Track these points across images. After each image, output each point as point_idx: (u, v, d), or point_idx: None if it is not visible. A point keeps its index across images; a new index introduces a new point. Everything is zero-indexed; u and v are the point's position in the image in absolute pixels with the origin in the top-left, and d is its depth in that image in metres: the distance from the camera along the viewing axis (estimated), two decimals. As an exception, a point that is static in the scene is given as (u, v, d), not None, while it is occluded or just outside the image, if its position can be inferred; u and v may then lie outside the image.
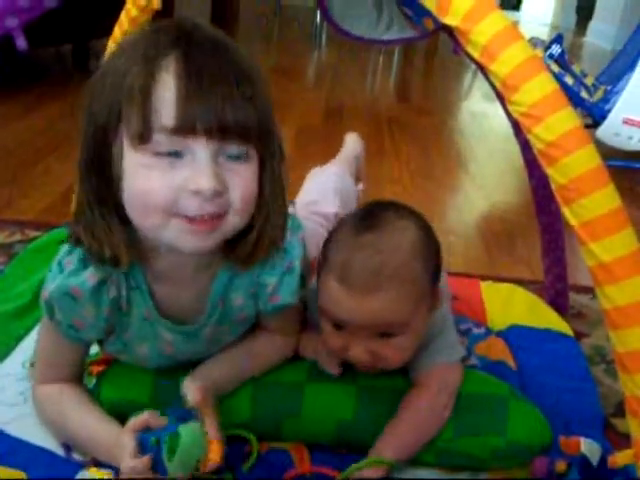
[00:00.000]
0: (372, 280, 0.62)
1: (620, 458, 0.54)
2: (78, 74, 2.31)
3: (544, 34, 4.05)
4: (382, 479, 0.64)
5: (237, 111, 0.53)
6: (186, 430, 0.59)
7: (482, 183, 1.71)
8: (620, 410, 0.82)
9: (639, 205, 1.54)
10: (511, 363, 0.86)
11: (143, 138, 0.52)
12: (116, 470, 0.63)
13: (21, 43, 0.61)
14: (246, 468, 0.67)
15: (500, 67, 0.50)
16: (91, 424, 0.66)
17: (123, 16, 0.87)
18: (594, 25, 4.17)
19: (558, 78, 1.70)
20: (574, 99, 1.71)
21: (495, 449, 0.67)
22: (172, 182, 0.53)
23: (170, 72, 0.52)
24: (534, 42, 1.84)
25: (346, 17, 0.81)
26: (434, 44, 3.41)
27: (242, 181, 0.56)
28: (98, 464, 0.66)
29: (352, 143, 1.22)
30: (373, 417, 0.69)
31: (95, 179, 0.56)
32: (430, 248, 0.67)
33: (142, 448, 0.60)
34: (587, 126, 1.73)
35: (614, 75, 1.86)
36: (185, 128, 0.52)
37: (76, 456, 0.68)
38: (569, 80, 1.78)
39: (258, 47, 2.95)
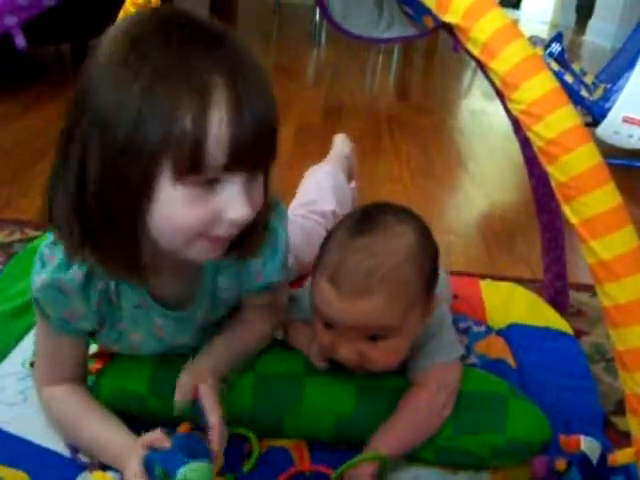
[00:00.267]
0: (363, 283, 0.62)
1: (620, 456, 0.54)
2: (77, 74, 2.31)
3: (544, 32, 4.05)
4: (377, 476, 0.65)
5: (270, 141, 0.55)
6: (196, 473, 0.59)
7: (482, 182, 1.71)
8: (620, 408, 0.82)
9: (639, 204, 1.54)
10: (511, 361, 0.86)
11: (190, 173, 0.51)
12: (122, 474, 0.63)
13: (20, 42, 0.61)
14: (247, 468, 0.67)
15: (500, 65, 0.50)
16: (96, 428, 0.66)
17: (122, 15, 0.87)
18: (594, 23, 4.17)
19: (558, 76, 1.70)
20: (574, 97, 1.71)
21: (494, 447, 0.68)
22: (207, 211, 0.53)
23: (222, 108, 0.50)
24: (534, 40, 1.84)
25: (346, 15, 0.81)
26: (434, 42, 3.40)
27: (257, 197, 0.57)
28: (104, 467, 0.66)
29: (340, 144, 1.24)
30: (372, 413, 0.69)
31: (108, 195, 0.53)
32: (426, 254, 0.66)
33: (147, 468, 0.60)
34: (587, 125, 1.72)
35: (614, 73, 1.86)
36: (235, 165, 0.52)
37: (82, 457, 0.68)
38: (569, 78, 1.78)
39: (257, 45, 2.95)
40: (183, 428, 0.66)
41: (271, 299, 0.73)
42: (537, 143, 0.50)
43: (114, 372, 0.72)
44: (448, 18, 0.52)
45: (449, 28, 0.54)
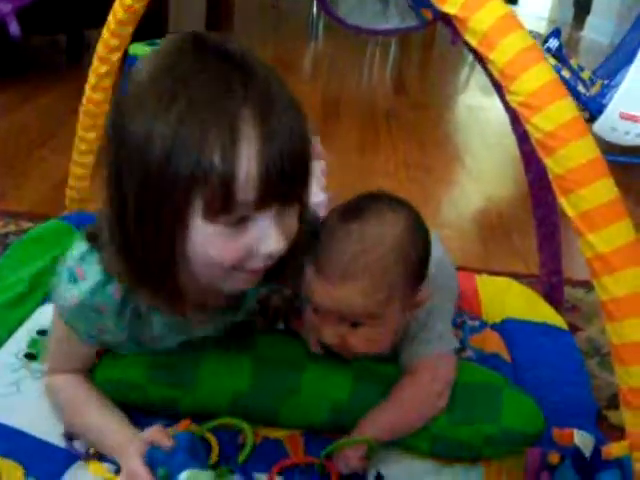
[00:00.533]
0: (344, 269, 0.62)
1: (615, 449, 0.54)
2: (72, 65, 2.30)
3: (541, 28, 4.04)
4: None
5: (302, 173, 0.55)
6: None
7: (478, 177, 1.71)
8: (613, 403, 0.83)
9: (636, 200, 1.54)
10: (506, 356, 0.86)
11: (222, 213, 0.51)
12: (118, 465, 0.64)
13: (14, 29, 0.60)
14: (241, 459, 0.67)
15: (499, 55, 0.50)
16: (95, 417, 0.67)
17: (117, 4, 0.86)
18: (591, 19, 4.17)
19: (555, 72, 1.69)
20: (571, 93, 1.70)
21: (489, 436, 0.68)
22: (240, 246, 0.54)
23: (252, 145, 0.49)
24: (532, 36, 1.83)
25: (347, 7, 0.81)
26: (431, 36, 3.39)
27: (291, 225, 0.57)
28: (100, 458, 0.66)
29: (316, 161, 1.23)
30: (368, 401, 0.69)
31: (145, 231, 0.53)
32: (414, 246, 0.66)
33: (148, 462, 0.60)
34: (584, 121, 1.72)
35: (611, 69, 1.86)
36: (265, 202, 0.52)
37: (77, 446, 0.68)
38: (566, 74, 1.78)
39: (255, 39, 2.94)
40: (183, 424, 0.66)
41: None
42: (535, 135, 0.50)
43: (111, 362, 0.72)
44: (447, 8, 0.52)
45: (448, 19, 0.53)
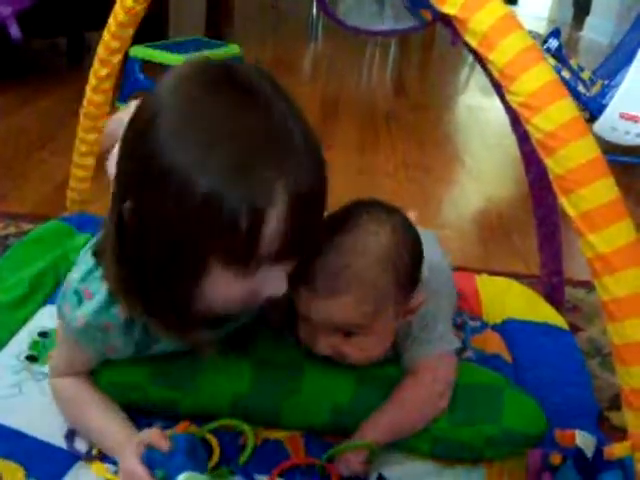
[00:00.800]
0: (331, 283, 0.62)
1: (617, 450, 0.54)
2: (72, 67, 2.30)
3: (541, 28, 4.04)
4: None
5: (318, 231, 0.57)
6: None
7: (478, 177, 1.71)
8: (615, 403, 0.83)
9: (636, 200, 1.54)
10: (506, 357, 0.86)
11: (243, 268, 0.53)
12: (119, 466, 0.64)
13: (15, 32, 0.60)
14: (242, 461, 0.67)
15: (499, 56, 0.50)
16: (97, 417, 0.68)
17: (118, 7, 0.86)
18: (591, 20, 4.17)
19: (555, 72, 1.69)
20: (571, 93, 1.70)
21: (490, 437, 0.68)
22: (248, 289, 0.56)
23: (282, 208, 0.51)
24: (532, 36, 1.83)
25: (345, 8, 0.81)
26: (431, 37, 3.40)
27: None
28: (103, 458, 0.67)
29: None
30: (369, 402, 0.69)
31: (164, 273, 0.55)
32: (401, 255, 0.65)
33: (147, 464, 0.61)
34: (584, 121, 1.72)
35: (611, 69, 1.86)
36: (283, 258, 0.54)
37: (78, 447, 0.68)
38: (566, 74, 1.78)
39: (254, 39, 2.94)
40: (182, 426, 0.66)
41: None
42: (535, 135, 0.50)
43: (113, 364, 0.72)
44: (447, 9, 0.52)
45: (447, 20, 0.53)
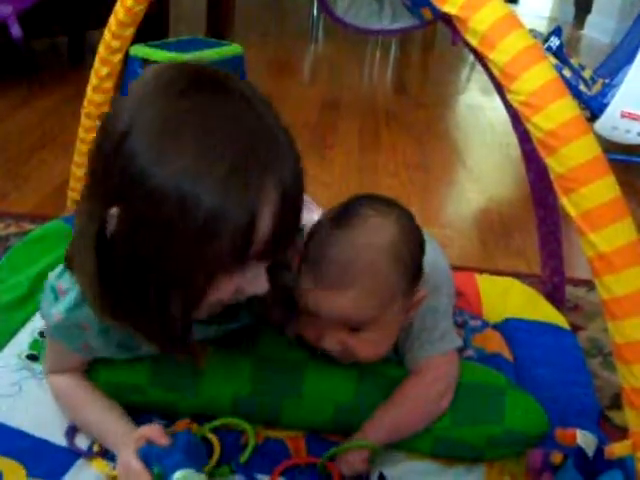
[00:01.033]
0: (339, 276, 0.62)
1: (618, 449, 0.54)
2: (73, 67, 2.30)
3: (542, 27, 4.04)
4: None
5: (298, 227, 0.57)
6: None
7: (479, 176, 1.71)
8: (616, 403, 0.83)
9: (637, 199, 1.54)
10: (507, 356, 0.86)
11: (239, 269, 0.53)
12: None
13: (16, 31, 0.60)
14: (243, 459, 0.67)
15: (499, 55, 0.49)
16: (95, 414, 0.68)
17: (118, 6, 0.86)
18: (592, 18, 4.16)
19: (556, 71, 1.69)
20: (572, 92, 1.69)
21: (492, 438, 0.68)
22: (233, 287, 0.55)
23: (272, 208, 0.50)
24: (533, 35, 1.82)
25: (348, 8, 0.81)
26: (431, 37, 3.39)
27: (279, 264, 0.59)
28: (104, 455, 0.67)
29: None
30: (371, 402, 0.69)
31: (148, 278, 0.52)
32: (407, 247, 0.65)
33: (144, 459, 0.60)
34: (585, 120, 1.72)
35: (612, 68, 1.85)
36: (268, 255, 0.54)
37: (79, 444, 0.68)
38: (567, 73, 1.78)
39: (255, 40, 2.94)
40: (182, 424, 0.66)
41: None
42: (536, 134, 0.50)
43: (112, 364, 0.72)
44: (447, 8, 0.52)
45: (448, 19, 0.53)
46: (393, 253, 0.63)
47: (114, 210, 0.50)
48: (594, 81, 1.87)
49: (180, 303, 0.53)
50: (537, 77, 0.49)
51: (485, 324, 0.93)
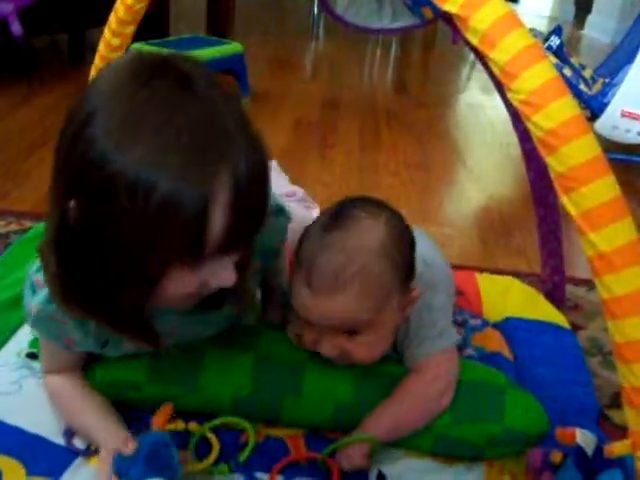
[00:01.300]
0: (333, 281, 0.62)
1: (617, 448, 0.54)
2: (73, 65, 2.30)
3: (542, 26, 4.04)
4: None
5: (262, 222, 0.55)
6: None
7: (479, 175, 1.70)
8: (615, 402, 0.83)
9: (637, 199, 1.54)
10: (507, 354, 0.86)
11: (198, 261, 0.52)
12: None
13: (16, 29, 0.60)
14: (243, 458, 0.67)
15: (500, 54, 0.49)
16: (87, 420, 0.68)
17: (119, 4, 0.86)
18: (593, 18, 4.16)
19: (556, 70, 1.69)
20: (572, 91, 1.69)
21: (492, 436, 0.68)
22: (198, 280, 0.55)
23: (227, 204, 0.50)
24: (533, 34, 1.82)
25: (348, 6, 0.80)
26: (432, 36, 3.39)
27: (246, 258, 0.58)
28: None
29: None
30: (371, 401, 0.69)
31: (106, 268, 0.52)
32: (399, 247, 0.66)
33: (117, 472, 0.60)
34: (585, 119, 1.71)
35: (613, 68, 1.85)
36: (229, 249, 0.53)
37: (77, 444, 0.68)
38: (567, 72, 1.78)
39: (255, 39, 2.93)
40: (162, 414, 0.64)
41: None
42: (536, 134, 0.50)
43: (110, 362, 0.72)
44: (447, 7, 0.51)
45: (448, 18, 0.53)
46: (384, 255, 0.64)
47: (73, 202, 0.51)
48: (594, 80, 1.87)
49: (134, 292, 0.53)
50: (537, 76, 0.49)
51: (485, 323, 0.93)
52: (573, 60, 1.85)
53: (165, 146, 0.48)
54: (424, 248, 0.71)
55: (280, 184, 1.02)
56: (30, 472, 0.64)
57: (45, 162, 1.49)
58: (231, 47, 1.99)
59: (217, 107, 0.51)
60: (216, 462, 0.66)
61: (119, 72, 0.53)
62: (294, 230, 0.86)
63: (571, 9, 4.77)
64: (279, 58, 2.80)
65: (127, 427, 0.67)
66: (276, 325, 0.76)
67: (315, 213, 0.98)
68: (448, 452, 0.70)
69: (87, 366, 0.72)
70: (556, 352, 0.87)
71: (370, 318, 0.64)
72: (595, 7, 4.18)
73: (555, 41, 1.73)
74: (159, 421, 0.64)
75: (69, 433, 0.69)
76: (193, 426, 0.68)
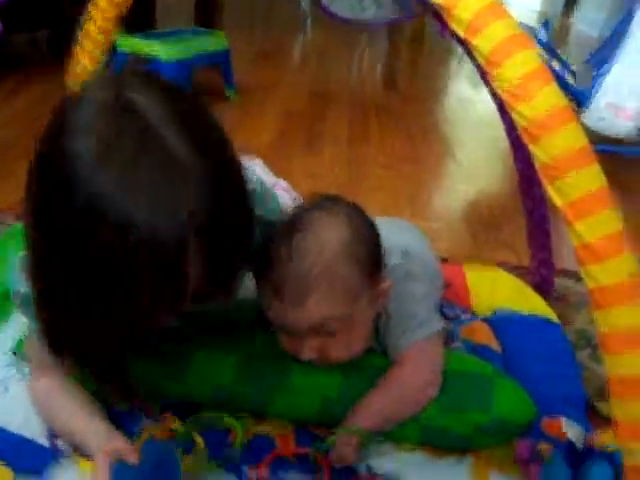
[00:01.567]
0: (299, 290, 0.62)
1: (604, 438, 0.55)
2: (54, 60, 2.27)
3: (532, 20, 4.04)
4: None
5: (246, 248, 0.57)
6: None
7: (468, 169, 1.70)
8: (603, 394, 0.83)
9: (622, 190, 1.54)
10: (496, 347, 0.86)
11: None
12: None
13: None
14: (236, 459, 0.67)
15: (484, 43, 0.49)
16: (71, 424, 0.67)
17: (91, 7, 0.85)
18: (582, 12, 4.17)
19: (545, 63, 1.69)
20: (560, 83, 1.70)
21: (479, 426, 0.68)
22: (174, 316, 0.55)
23: (201, 255, 0.49)
24: (522, 27, 1.82)
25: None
26: (421, 30, 3.38)
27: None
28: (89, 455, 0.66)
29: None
30: (358, 394, 0.69)
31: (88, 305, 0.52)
32: (360, 242, 0.65)
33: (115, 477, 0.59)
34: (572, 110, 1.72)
35: (600, 61, 1.86)
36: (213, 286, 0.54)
37: (60, 444, 0.67)
38: (556, 65, 1.78)
39: (244, 30, 2.92)
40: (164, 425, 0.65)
41: None
42: (521, 123, 0.49)
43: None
44: (433, -3, 0.51)
45: (435, 10, 0.53)
46: (346, 252, 0.63)
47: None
48: (583, 74, 1.88)
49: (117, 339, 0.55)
50: (521, 64, 0.48)
51: (474, 317, 0.92)
52: (560, 52, 1.85)
53: (129, 187, 0.47)
54: (406, 239, 0.71)
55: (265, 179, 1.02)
56: (17, 473, 0.63)
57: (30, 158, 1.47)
58: (215, 37, 1.98)
59: (169, 146, 0.49)
60: (204, 459, 0.65)
61: (90, 104, 0.52)
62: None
63: (560, 3, 4.78)
64: (267, 50, 2.79)
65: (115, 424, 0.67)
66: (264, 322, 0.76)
67: (288, 199, 0.97)
68: (436, 443, 0.70)
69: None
70: (544, 345, 0.87)
71: (343, 317, 0.64)
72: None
73: (543, 35, 1.74)
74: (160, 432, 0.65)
75: (53, 434, 0.68)
76: (177, 425, 0.67)
